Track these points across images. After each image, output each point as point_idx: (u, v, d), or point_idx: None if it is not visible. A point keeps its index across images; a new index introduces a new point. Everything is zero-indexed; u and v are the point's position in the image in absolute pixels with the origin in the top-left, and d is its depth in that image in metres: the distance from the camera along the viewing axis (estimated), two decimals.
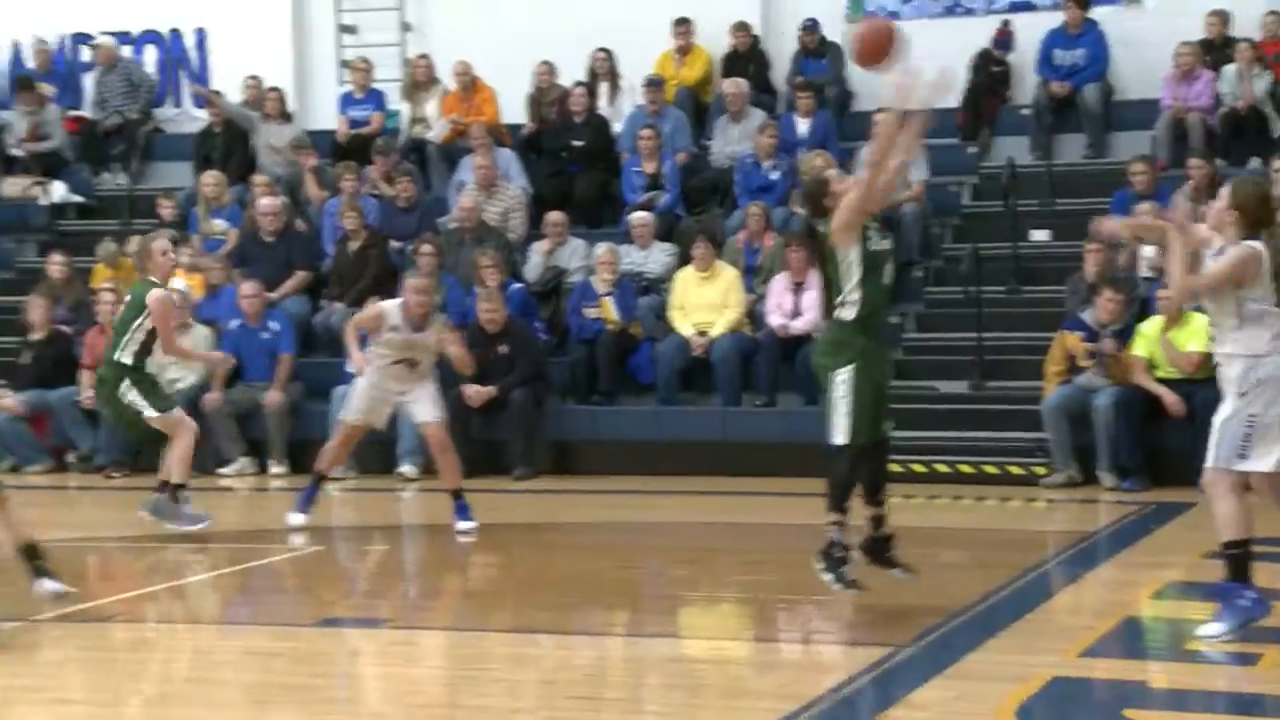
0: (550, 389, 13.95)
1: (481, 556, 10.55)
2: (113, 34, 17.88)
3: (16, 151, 17.25)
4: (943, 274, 14.62)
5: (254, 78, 16.89)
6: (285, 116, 16.80)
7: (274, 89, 16.81)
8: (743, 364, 13.71)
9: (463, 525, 10.72)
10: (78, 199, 17.19)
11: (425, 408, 10.75)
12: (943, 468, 12.70)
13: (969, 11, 16.40)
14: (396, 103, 16.87)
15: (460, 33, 16.85)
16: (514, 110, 16.46)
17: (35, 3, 17.93)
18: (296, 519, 10.89)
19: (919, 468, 12.50)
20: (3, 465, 13.85)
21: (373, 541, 11.26)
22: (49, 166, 17.21)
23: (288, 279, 14.98)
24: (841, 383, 7.91)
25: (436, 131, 16.47)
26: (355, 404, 10.89)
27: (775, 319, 13.69)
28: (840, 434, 7.92)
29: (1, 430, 14.18)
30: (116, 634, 8.29)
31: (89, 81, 17.96)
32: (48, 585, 8.24)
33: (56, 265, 15.29)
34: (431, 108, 16.59)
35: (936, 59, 15.28)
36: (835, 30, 16.29)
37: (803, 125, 15.58)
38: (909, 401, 12.61)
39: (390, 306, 10.76)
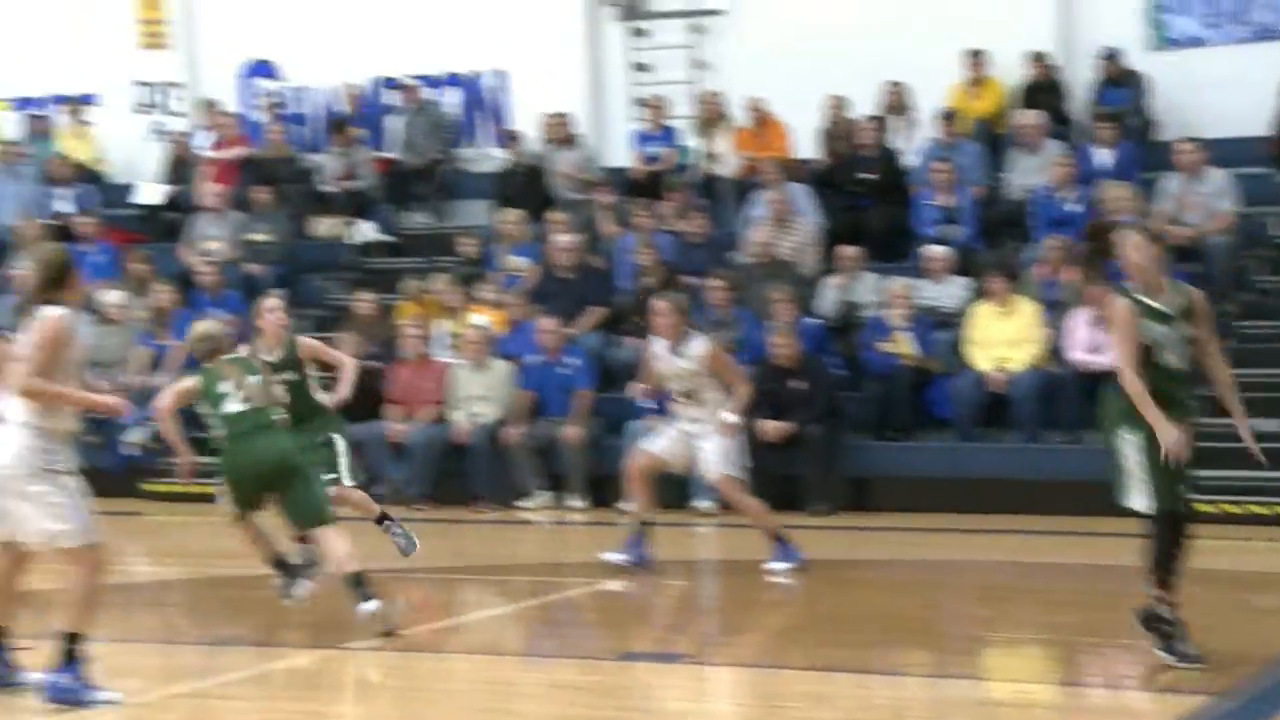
0: (845, 424, 13.86)
1: (779, 593, 10.50)
2: (417, 77, 18.46)
3: (329, 188, 17.88)
4: (1255, 308, 14.07)
5: (552, 115, 17.24)
6: (570, 141, 17.11)
7: (558, 115, 17.13)
8: (1043, 400, 13.41)
9: (776, 565, 10.57)
10: (384, 237, 17.75)
11: (713, 461, 10.65)
12: (1258, 509, 12.20)
13: (1278, 35, 15.79)
14: (689, 139, 17.03)
15: (751, 68, 16.90)
16: (805, 144, 16.46)
17: (346, 50, 18.58)
18: (615, 558, 10.79)
19: (1231, 508, 12.02)
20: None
21: (669, 576, 11.30)
22: (358, 206, 17.81)
23: (583, 314, 15.22)
24: (1131, 448, 7.64)
25: (728, 167, 16.57)
26: (655, 437, 10.98)
27: (1076, 354, 13.36)
28: (1140, 499, 7.64)
29: None
30: (423, 664, 8.47)
31: (392, 123, 18.56)
32: (368, 606, 8.54)
33: (364, 302, 15.79)
34: (723, 143, 16.70)
35: (1244, 84, 15.27)
36: (1136, 59, 15.87)
37: (1104, 155, 15.20)
38: (1220, 440, 12.01)
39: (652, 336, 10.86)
